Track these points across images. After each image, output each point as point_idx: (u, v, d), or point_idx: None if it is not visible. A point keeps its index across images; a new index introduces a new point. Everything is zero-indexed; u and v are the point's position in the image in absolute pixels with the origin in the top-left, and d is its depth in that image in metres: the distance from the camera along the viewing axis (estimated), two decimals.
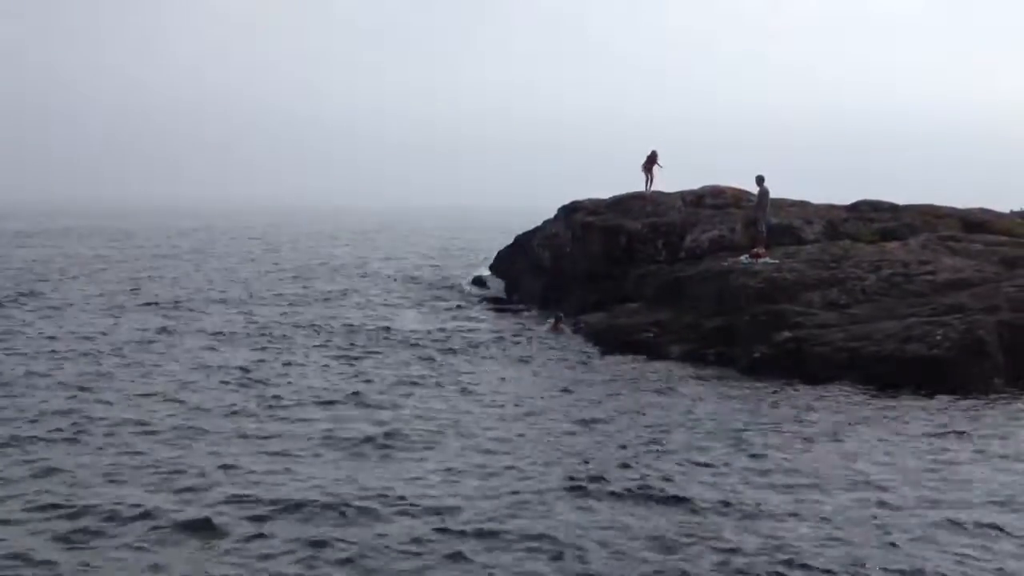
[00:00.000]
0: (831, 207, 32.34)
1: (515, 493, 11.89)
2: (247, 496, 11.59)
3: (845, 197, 33.56)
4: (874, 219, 30.32)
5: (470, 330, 26.77)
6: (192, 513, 10.94)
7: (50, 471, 12.54)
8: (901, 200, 32.49)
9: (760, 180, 27.18)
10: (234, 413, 16.05)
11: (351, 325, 27.12)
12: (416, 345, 23.85)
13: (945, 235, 27.45)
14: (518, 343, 24.52)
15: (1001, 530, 10.76)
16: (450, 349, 23.34)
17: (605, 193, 34.71)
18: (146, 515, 10.86)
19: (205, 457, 13.33)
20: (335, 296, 34.79)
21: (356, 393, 17.81)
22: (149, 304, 31.00)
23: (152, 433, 14.57)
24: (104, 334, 24.42)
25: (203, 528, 10.50)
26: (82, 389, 17.65)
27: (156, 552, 9.92)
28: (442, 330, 26.50)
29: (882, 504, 11.61)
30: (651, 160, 34.43)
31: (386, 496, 11.68)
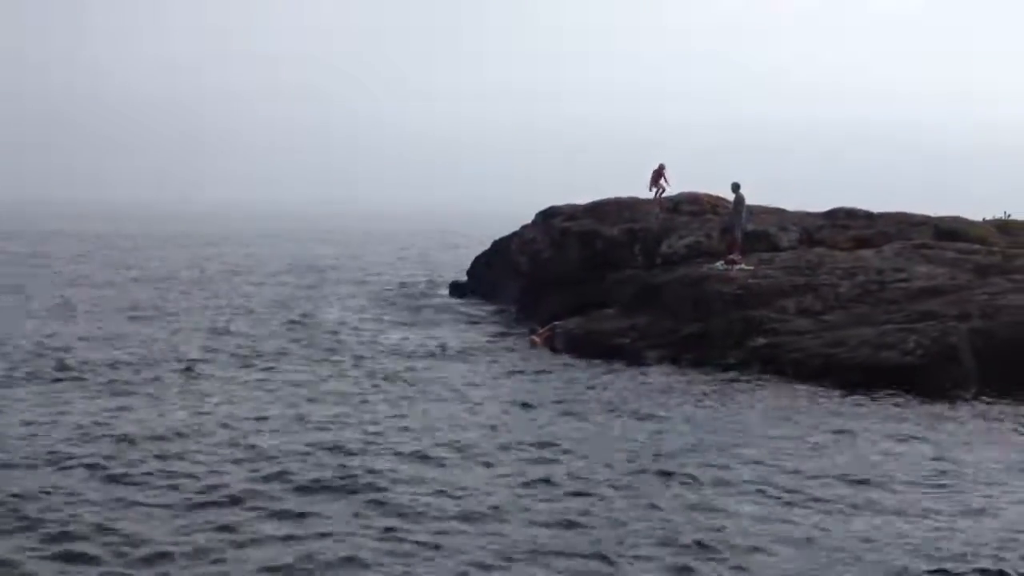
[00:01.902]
0: (807, 214, 32.47)
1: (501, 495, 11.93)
2: None
3: (845, 202, 32.98)
4: (849, 226, 30.48)
5: (441, 338, 26.07)
6: None
7: None
8: (902, 206, 32.45)
9: (736, 187, 27.28)
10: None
11: (319, 335, 26.20)
12: (394, 354, 23.67)
13: (919, 243, 27.65)
14: (491, 350, 24.46)
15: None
16: (423, 357, 23.04)
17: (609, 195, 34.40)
18: None
19: None
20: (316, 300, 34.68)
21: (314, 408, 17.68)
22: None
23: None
24: None
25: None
26: None
27: None
28: (421, 340, 26.03)
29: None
30: (657, 174, 33.75)
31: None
